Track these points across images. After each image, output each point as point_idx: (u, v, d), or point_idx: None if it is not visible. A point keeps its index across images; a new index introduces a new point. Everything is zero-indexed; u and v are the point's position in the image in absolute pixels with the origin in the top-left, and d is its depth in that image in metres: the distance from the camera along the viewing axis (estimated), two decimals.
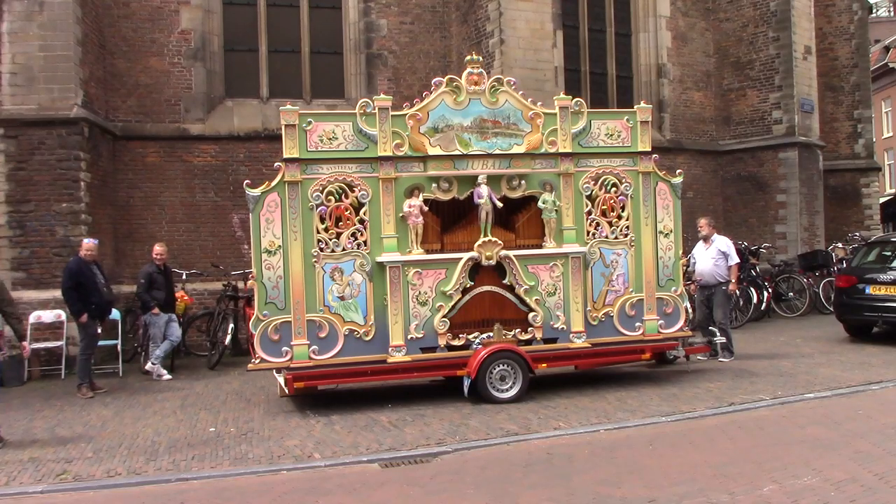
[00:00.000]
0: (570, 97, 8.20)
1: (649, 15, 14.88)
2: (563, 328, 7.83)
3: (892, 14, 40.15)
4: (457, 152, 7.59)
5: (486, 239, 7.59)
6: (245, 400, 8.02)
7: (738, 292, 11.40)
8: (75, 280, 8.43)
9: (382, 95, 7.87)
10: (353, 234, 7.39)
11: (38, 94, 9.95)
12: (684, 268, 9.33)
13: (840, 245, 15.46)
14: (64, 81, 10.01)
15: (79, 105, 10.12)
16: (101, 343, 9.19)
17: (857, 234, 16.83)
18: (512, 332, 7.69)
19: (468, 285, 7.60)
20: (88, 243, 8.77)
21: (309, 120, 7.34)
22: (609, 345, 8.07)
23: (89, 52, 10.73)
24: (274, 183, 7.23)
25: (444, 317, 7.48)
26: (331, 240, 7.34)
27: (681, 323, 8.41)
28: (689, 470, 5.16)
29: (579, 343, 7.87)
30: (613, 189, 8.15)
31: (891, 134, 33.84)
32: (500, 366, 7.43)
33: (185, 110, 11.96)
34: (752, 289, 12.98)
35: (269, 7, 12.64)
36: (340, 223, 7.38)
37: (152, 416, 7.38)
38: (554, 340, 7.83)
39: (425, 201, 7.50)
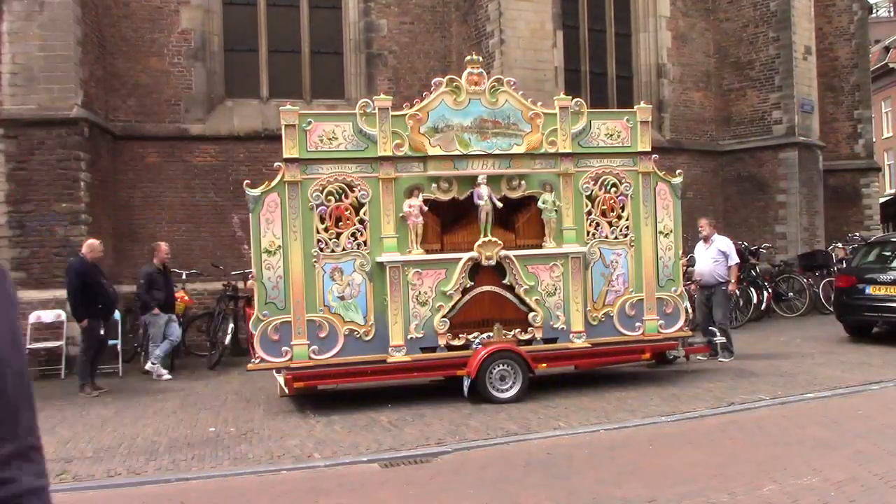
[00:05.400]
0: (570, 97, 8.21)
1: (649, 15, 14.87)
2: (563, 328, 7.83)
3: (892, 14, 40.16)
4: (457, 152, 7.59)
5: (486, 239, 7.59)
6: (245, 400, 8.02)
7: (737, 292, 11.40)
8: (82, 280, 8.42)
9: (382, 95, 7.88)
10: (353, 234, 7.38)
11: (38, 94, 9.95)
12: (684, 268, 9.33)
13: (840, 245, 15.45)
14: (64, 81, 10.01)
15: (79, 105, 10.12)
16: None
17: (857, 234, 16.83)
18: (512, 332, 7.69)
19: (468, 285, 7.60)
20: (94, 243, 8.77)
21: (309, 120, 7.34)
22: (609, 345, 8.07)
23: (89, 52, 10.73)
24: (274, 183, 7.23)
25: (444, 317, 7.48)
26: (331, 240, 7.34)
27: (681, 323, 8.41)
28: (689, 470, 5.16)
29: (579, 343, 7.87)
30: (613, 189, 8.15)
31: (891, 134, 33.84)
32: (500, 366, 7.43)
33: (185, 110, 11.96)
34: (752, 289, 12.97)
35: (269, 7, 12.64)
36: (340, 223, 7.37)
37: (152, 416, 7.38)
38: (554, 340, 7.83)
39: (425, 201, 7.50)
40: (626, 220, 8.19)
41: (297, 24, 12.79)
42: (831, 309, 12.51)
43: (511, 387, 7.44)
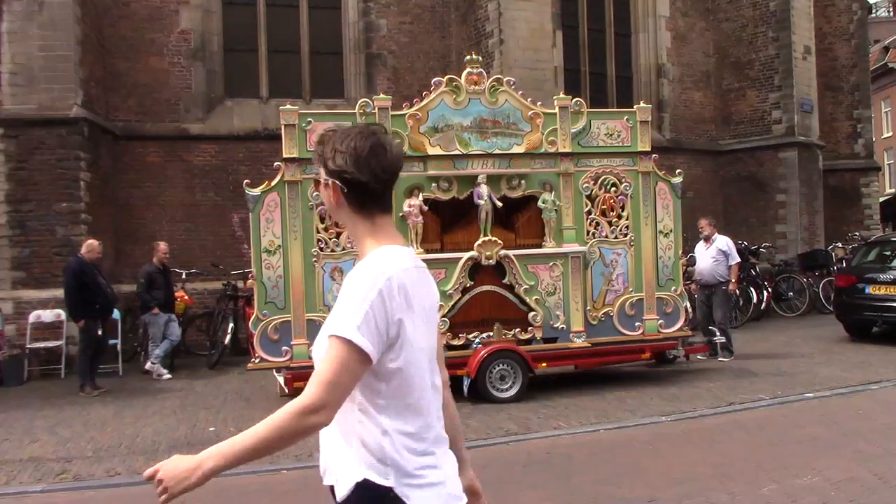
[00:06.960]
0: (570, 97, 8.21)
1: (649, 15, 14.87)
2: (562, 328, 7.83)
3: (891, 14, 40.15)
4: (456, 152, 7.59)
5: (486, 238, 7.59)
6: (245, 399, 8.02)
7: (738, 292, 11.40)
8: (79, 280, 8.41)
9: (382, 95, 7.88)
10: None
11: (38, 94, 9.94)
12: (684, 267, 9.34)
13: (840, 245, 15.45)
14: (64, 81, 10.01)
15: (79, 105, 10.12)
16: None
17: (857, 233, 16.83)
18: (512, 332, 7.69)
19: (468, 285, 7.60)
20: (93, 243, 8.76)
21: (308, 120, 7.34)
22: (609, 344, 8.07)
23: (89, 52, 10.73)
24: (274, 183, 7.23)
25: (443, 316, 7.48)
26: (331, 239, 7.34)
27: (680, 322, 8.41)
28: (689, 470, 5.16)
29: (579, 343, 7.87)
30: (613, 189, 8.15)
31: (890, 134, 33.84)
32: (500, 365, 7.43)
33: (185, 110, 11.95)
34: (752, 288, 12.98)
35: (269, 7, 12.64)
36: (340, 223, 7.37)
37: (152, 415, 7.38)
38: (554, 340, 7.84)
39: (425, 201, 7.50)
40: (626, 219, 8.19)
41: (297, 24, 12.79)
42: (831, 309, 12.51)
43: (511, 386, 7.44)
